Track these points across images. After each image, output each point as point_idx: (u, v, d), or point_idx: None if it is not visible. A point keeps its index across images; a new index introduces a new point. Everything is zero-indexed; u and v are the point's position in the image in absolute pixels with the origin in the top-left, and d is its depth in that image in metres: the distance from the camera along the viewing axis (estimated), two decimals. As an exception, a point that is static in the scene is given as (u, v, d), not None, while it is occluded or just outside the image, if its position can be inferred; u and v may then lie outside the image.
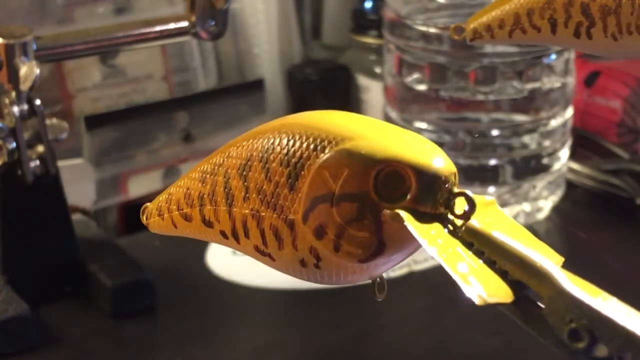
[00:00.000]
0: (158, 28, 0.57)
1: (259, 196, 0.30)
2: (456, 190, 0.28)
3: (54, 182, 0.56)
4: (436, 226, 0.27)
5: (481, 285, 0.25)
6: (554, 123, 0.67)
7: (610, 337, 0.24)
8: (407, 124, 0.68)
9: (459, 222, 0.27)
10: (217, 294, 0.60)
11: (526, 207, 0.67)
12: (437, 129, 0.67)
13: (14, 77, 0.53)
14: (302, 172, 0.29)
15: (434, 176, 0.27)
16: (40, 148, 0.55)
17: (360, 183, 0.27)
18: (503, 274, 0.26)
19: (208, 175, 0.32)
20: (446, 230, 0.27)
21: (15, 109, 0.53)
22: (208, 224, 0.32)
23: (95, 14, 0.73)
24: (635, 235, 0.66)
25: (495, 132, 0.66)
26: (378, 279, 0.30)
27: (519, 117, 0.67)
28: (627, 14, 0.38)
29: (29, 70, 0.53)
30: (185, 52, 0.77)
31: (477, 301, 0.25)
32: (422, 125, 0.67)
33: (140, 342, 0.56)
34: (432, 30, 0.64)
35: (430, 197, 0.27)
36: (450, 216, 0.27)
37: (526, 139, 0.67)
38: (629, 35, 0.38)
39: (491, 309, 0.60)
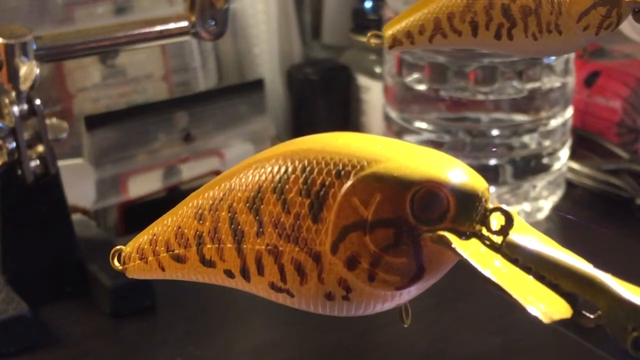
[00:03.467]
0: (158, 28, 0.57)
1: (277, 230, 0.28)
2: (491, 205, 0.27)
3: (54, 182, 0.56)
4: (475, 244, 0.26)
5: (542, 303, 0.25)
6: (554, 123, 0.67)
7: None
8: (407, 124, 0.68)
9: (496, 238, 0.26)
10: (217, 294, 0.60)
11: (526, 207, 0.67)
12: (437, 129, 0.67)
13: (14, 77, 0.53)
14: (327, 201, 0.27)
15: (471, 193, 0.26)
16: (40, 148, 0.55)
17: (396, 207, 0.26)
18: (554, 287, 0.26)
19: (206, 212, 0.29)
20: (483, 248, 0.26)
21: (15, 109, 0.53)
22: (209, 263, 0.30)
23: (95, 14, 0.73)
24: (635, 235, 0.66)
25: (495, 132, 0.66)
26: (404, 305, 0.29)
27: (519, 117, 0.67)
28: (547, 13, 0.38)
29: (29, 70, 0.53)
30: (185, 52, 0.77)
31: (544, 319, 0.25)
32: (422, 125, 0.67)
33: (140, 342, 0.56)
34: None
35: (468, 215, 0.26)
36: (485, 232, 0.27)
37: (526, 139, 0.67)
38: (548, 34, 0.39)
39: (491, 310, 0.60)
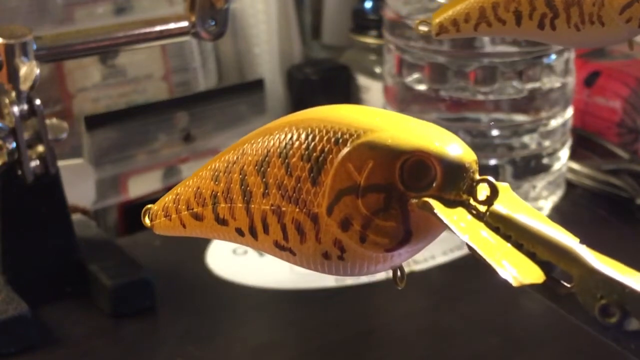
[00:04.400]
0: (158, 28, 0.57)
1: (280, 191, 0.30)
2: (478, 177, 0.28)
3: (54, 182, 0.56)
4: (460, 212, 0.28)
5: (514, 268, 0.26)
6: (554, 123, 0.67)
7: None
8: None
9: (482, 207, 0.28)
10: (217, 294, 0.60)
11: (526, 207, 0.67)
12: (437, 129, 0.66)
13: (14, 77, 0.53)
14: (325, 166, 0.29)
15: (458, 164, 0.28)
16: (40, 148, 0.55)
17: (386, 174, 0.28)
18: (531, 256, 0.27)
19: (221, 173, 0.32)
20: (469, 216, 0.28)
21: (15, 109, 0.53)
22: (222, 222, 0.32)
23: (95, 14, 0.73)
24: (635, 235, 0.66)
25: (495, 132, 0.66)
26: (398, 269, 0.31)
27: (519, 117, 0.67)
28: (590, 4, 0.39)
29: (29, 70, 0.53)
30: (185, 52, 0.77)
31: (513, 283, 0.26)
32: (422, 125, 0.67)
33: (140, 342, 0.56)
34: (432, 30, 0.64)
35: (454, 184, 0.28)
36: (472, 202, 0.28)
37: (526, 139, 0.67)
38: (591, 25, 0.39)
39: (492, 308, 0.60)
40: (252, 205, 0.31)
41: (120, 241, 0.64)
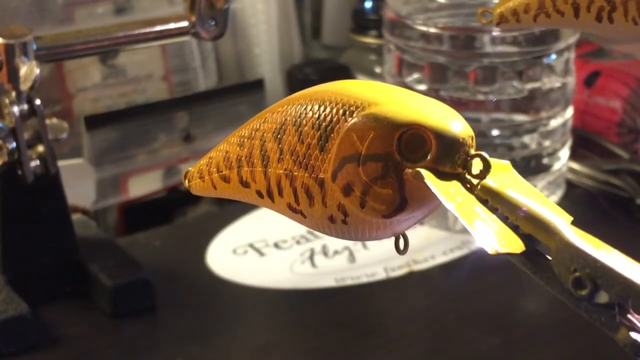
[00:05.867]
0: (158, 28, 0.57)
1: (292, 157, 0.32)
2: (473, 152, 0.30)
3: (54, 182, 0.56)
4: (454, 184, 0.29)
5: (494, 237, 0.27)
6: (554, 123, 0.67)
7: (611, 285, 0.26)
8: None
9: (475, 181, 0.29)
10: (217, 294, 0.60)
11: (526, 207, 0.67)
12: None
13: (14, 77, 0.53)
14: (332, 135, 0.31)
15: (453, 139, 0.29)
16: (40, 148, 0.55)
17: (385, 144, 0.29)
18: (515, 228, 0.28)
19: (246, 139, 0.34)
20: (463, 189, 0.29)
21: (15, 109, 0.53)
22: (245, 184, 0.34)
23: (95, 14, 0.73)
24: (635, 235, 0.66)
25: (495, 132, 0.66)
26: (401, 237, 0.32)
27: (519, 117, 0.67)
28: None
29: (29, 70, 0.53)
30: (185, 52, 0.77)
31: (490, 251, 0.27)
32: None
33: (140, 342, 0.56)
34: (432, 30, 0.64)
35: (449, 157, 0.29)
36: (467, 176, 0.29)
37: (526, 139, 0.67)
38: None
39: (492, 308, 0.60)
40: (269, 170, 0.33)
41: (120, 241, 0.64)
